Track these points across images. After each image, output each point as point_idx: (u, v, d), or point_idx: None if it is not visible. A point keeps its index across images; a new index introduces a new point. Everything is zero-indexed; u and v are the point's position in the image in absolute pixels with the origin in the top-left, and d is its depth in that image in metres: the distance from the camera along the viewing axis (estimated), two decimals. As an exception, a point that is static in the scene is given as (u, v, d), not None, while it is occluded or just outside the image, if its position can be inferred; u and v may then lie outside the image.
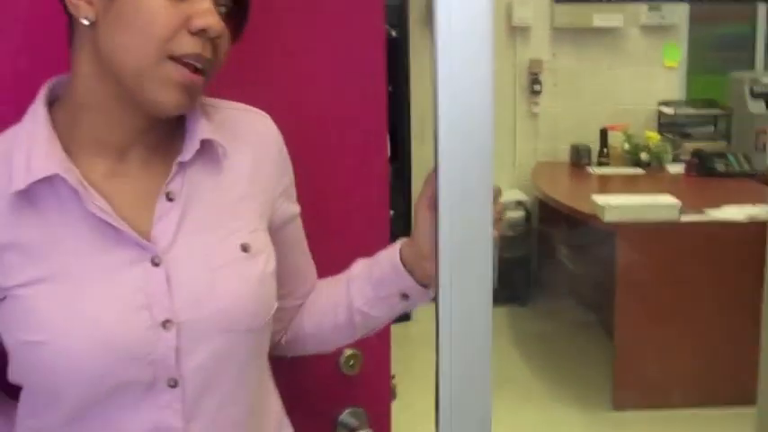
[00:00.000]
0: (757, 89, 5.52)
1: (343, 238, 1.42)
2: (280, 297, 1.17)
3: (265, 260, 1.13)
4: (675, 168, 5.48)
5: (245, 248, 1.10)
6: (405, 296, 1.18)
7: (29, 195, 1.03)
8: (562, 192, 5.18)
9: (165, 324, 1.03)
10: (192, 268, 1.07)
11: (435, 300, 0.91)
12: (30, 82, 1.11)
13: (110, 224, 1.03)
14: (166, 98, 1.03)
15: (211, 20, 1.02)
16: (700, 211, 4.25)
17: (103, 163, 1.07)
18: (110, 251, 1.04)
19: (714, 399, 4.11)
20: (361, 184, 1.45)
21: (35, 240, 1.03)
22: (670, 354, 4.14)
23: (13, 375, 1.08)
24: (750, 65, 6.17)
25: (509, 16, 5.76)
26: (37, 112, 1.06)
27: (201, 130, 1.10)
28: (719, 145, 5.62)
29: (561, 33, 5.86)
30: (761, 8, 6.05)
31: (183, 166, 1.09)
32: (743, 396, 3.80)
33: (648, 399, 4.16)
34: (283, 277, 1.19)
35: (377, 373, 1.52)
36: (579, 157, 5.73)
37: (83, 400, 1.04)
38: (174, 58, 1.01)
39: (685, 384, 4.16)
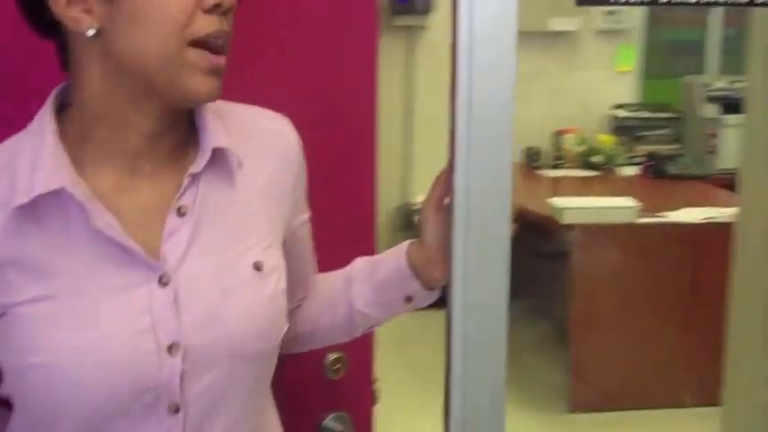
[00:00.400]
0: (709, 93, 5.62)
1: (328, 236, 1.39)
2: None
3: (277, 279, 1.09)
4: (628, 171, 5.54)
5: (257, 267, 1.06)
6: (408, 299, 1.16)
7: (32, 209, 0.97)
8: (517, 194, 5.19)
9: (171, 348, 0.98)
10: (203, 288, 1.01)
11: (447, 301, 0.90)
12: (36, 86, 1.06)
13: (117, 242, 0.98)
14: (198, 85, 0.99)
15: None
16: (657, 214, 4.30)
17: (112, 176, 1.02)
18: (116, 270, 0.98)
19: (669, 401, 4.16)
20: (348, 183, 1.44)
21: (38, 257, 0.97)
22: (626, 356, 4.17)
23: (7, 392, 1.01)
24: (702, 69, 6.28)
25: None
26: (44, 120, 1.01)
27: (214, 137, 1.04)
28: (672, 148, 5.72)
29: (518, 37, 5.84)
30: (712, 13, 6.15)
31: (194, 178, 1.04)
32: (698, 398, 3.88)
33: (604, 401, 4.19)
34: (289, 282, 1.15)
35: (360, 378, 1.50)
36: (531, 160, 5.76)
37: (80, 424, 0.98)
38: (197, 43, 0.97)
39: (642, 386, 4.20)
